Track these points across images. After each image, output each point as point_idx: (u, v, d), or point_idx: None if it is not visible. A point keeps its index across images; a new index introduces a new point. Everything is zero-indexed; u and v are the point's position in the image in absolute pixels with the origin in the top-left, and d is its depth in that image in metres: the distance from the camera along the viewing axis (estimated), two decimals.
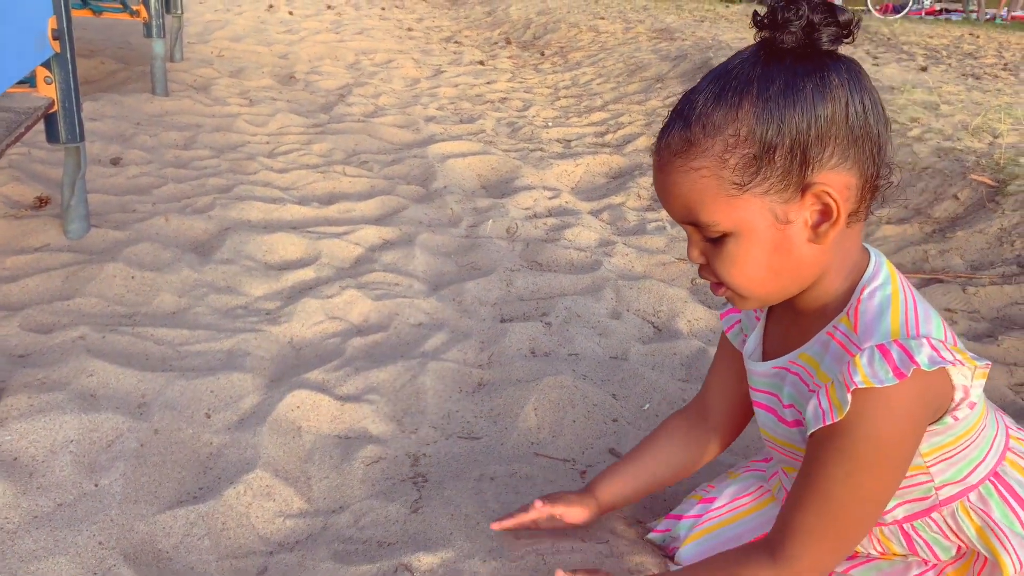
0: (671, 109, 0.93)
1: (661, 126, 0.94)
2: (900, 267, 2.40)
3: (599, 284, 2.24)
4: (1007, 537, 0.96)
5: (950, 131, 3.24)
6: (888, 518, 1.01)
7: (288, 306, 2.02)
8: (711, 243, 0.91)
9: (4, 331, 1.75)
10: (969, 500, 0.97)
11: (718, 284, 0.94)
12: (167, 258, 2.19)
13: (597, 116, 4.29)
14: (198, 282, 2.10)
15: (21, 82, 2.01)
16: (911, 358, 0.84)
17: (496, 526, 1.23)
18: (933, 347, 0.85)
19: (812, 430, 0.90)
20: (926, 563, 1.03)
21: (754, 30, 0.88)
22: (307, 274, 2.21)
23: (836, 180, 0.86)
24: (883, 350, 0.85)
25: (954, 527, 0.99)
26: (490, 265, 2.34)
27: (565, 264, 2.41)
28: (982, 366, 0.89)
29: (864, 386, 0.84)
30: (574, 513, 1.22)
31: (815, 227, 0.88)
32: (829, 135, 0.84)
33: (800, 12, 0.83)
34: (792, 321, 1.00)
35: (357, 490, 1.42)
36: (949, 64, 5.58)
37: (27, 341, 1.73)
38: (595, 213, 2.89)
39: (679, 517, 1.25)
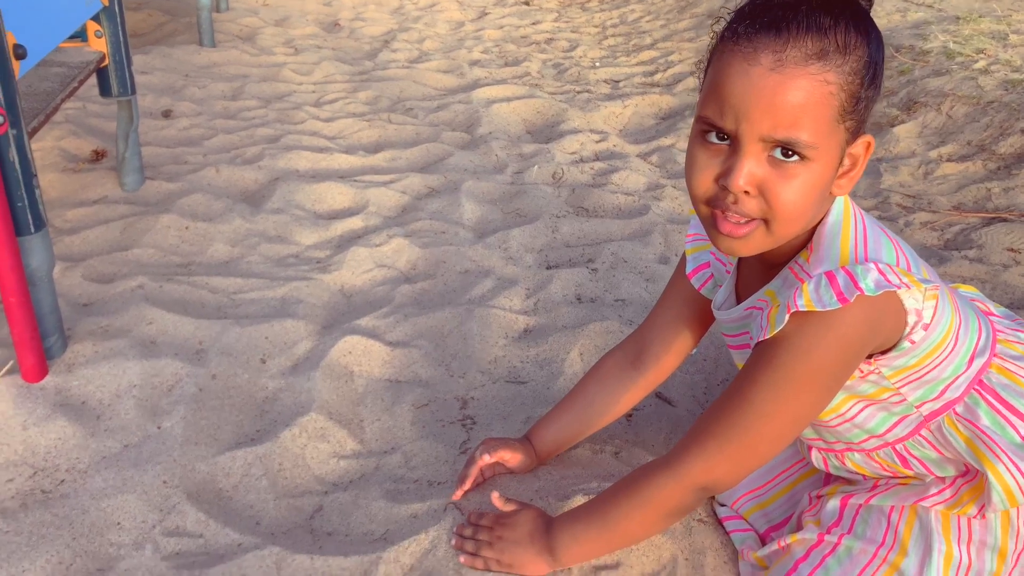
0: (773, 8, 0.82)
1: (754, 22, 0.82)
2: (961, 206, 2.32)
3: (647, 229, 2.22)
4: (999, 446, 0.95)
5: (1019, 62, 3.08)
6: (879, 441, 1.02)
7: (338, 254, 2.05)
8: (776, 169, 0.84)
9: (68, 281, 1.82)
10: (955, 412, 0.98)
11: (746, 221, 0.87)
12: (219, 208, 2.24)
13: (646, 55, 4.18)
14: (250, 232, 2.14)
15: (72, 37, 2.04)
16: (855, 284, 0.85)
17: (459, 495, 1.22)
18: (880, 271, 0.86)
19: (754, 344, 0.93)
20: (942, 480, 1.03)
21: None
22: (355, 223, 2.23)
23: (870, 138, 0.90)
24: (830, 276, 0.87)
25: (942, 441, 0.99)
26: (536, 212, 2.33)
27: (612, 209, 2.39)
28: (930, 288, 0.88)
29: (806, 309, 0.85)
30: (515, 459, 1.26)
31: (840, 177, 0.89)
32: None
33: None
34: (762, 266, 1.00)
35: (408, 432, 1.46)
36: None
37: (90, 290, 1.79)
38: (643, 156, 2.85)
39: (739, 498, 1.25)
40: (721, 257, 1.14)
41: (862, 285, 0.84)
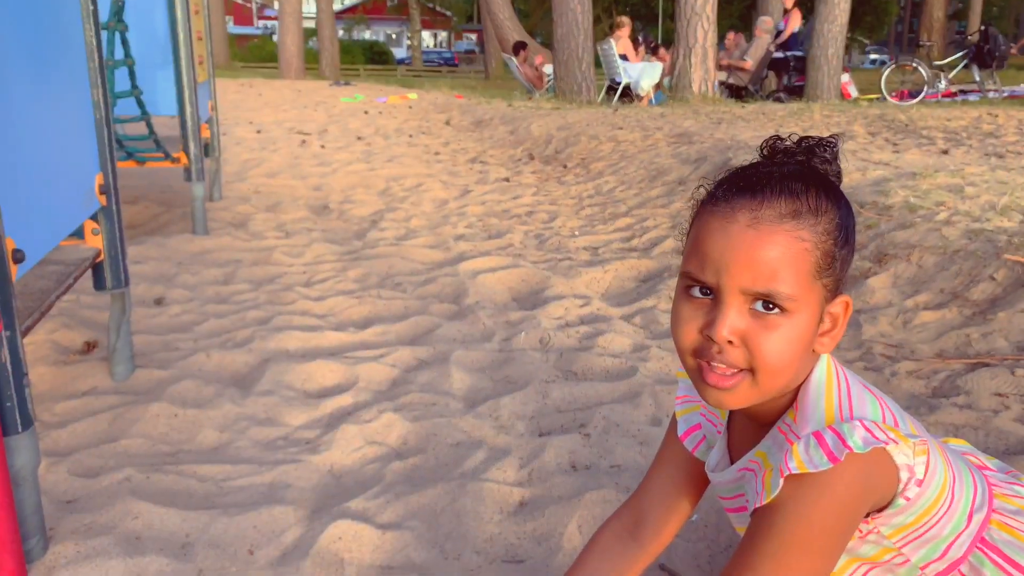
0: (749, 176, 0.91)
1: (731, 187, 0.91)
2: (943, 353, 2.35)
3: (636, 390, 2.23)
4: None
5: (978, 212, 3.24)
6: None
7: (327, 434, 2.03)
8: (758, 321, 0.88)
9: (54, 477, 1.79)
10: (960, 572, 0.95)
11: (732, 373, 0.90)
12: (209, 394, 2.24)
13: (622, 222, 4.36)
14: (239, 416, 2.14)
15: (70, 234, 2.12)
16: (844, 442, 0.86)
17: None
18: (867, 428, 0.87)
19: (750, 512, 0.92)
20: None
21: (767, 151, 0.97)
22: (345, 400, 2.23)
23: (848, 299, 0.94)
24: (818, 436, 0.88)
25: None
26: (525, 378, 2.35)
27: (600, 372, 2.40)
28: (919, 442, 0.89)
29: (798, 471, 0.86)
30: None
31: (822, 336, 0.93)
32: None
33: (836, 152, 0.95)
34: (752, 426, 1.02)
35: None
36: (970, 145, 5.61)
37: (75, 486, 1.76)
38: (627, 318, 2.90)
39: None
40: (711, 417, 1.15)
41: (850, 443, 0.86)
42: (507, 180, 5.92)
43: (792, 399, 0.96)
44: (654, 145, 6.19)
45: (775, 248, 0.86)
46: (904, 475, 0.89)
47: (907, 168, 4.30)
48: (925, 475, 0.90)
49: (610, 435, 1.98)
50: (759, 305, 0.88)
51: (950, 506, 0.94)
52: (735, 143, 5.47)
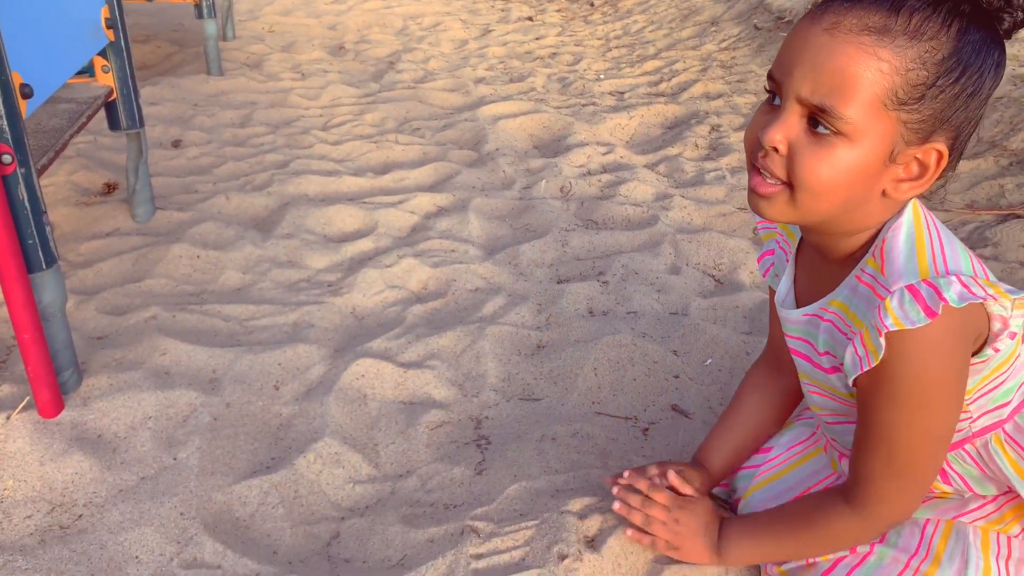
0: None
1: None
2: (974, 203, 2.29)
3: (656, 239, 2.21)
4: None
5: None
6: None
7: (349, 277, 2.06)
8: (811, 137, 0.82)
9: (82, 315, 1.83)
10: (1004, 431, 0.95)
11: (772, 182, 0.86)
12: (230, 236, 2.25)
13: (650, 65, 4.18)
14: (261, 258, 2.15)
15: (80, 73, 2.06)
16: (940, 295, 0.82)
17: (614, 481, 1.19)
18: (963, 284, 0.83)
19: (852, 377, 0.90)
20: (983, 497, 1.01)
21: None
22: (365, 244, 2.24)
23: (943, 148, 0.84)
24: (912, 290, 0.84)
25: (987, 458, 0.97)
26: (545, 226, 2.33)
27: (621, 220, 2.38)
28: (1019, 298, 0.85)
29: (896, 328, 0.83)
30: (692, 488, 1.21)
31: (900, 181, 0.86)
32: (973, 109, 0.83)
33: None
34: (820, 266, 0.98)
35: (423, 454, 1.45)
36: None
37: (104, 323, 1.81)
38: (651, 166, 2.84)
39: (737, 470, 1.24)
40: (784, 245, 1.11)
41: (947, 296, 0.82)
42: (530, 19, 5.65)
43: (868, 242, 0.91)
44: None
45: (842, 59, 0.79)
46: (996, 325, 0.86)
47: None
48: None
49: (628, 283, 1.98)
50: (815, 120, 0.82)
51: (1017, 360, 0.92)
52: None
